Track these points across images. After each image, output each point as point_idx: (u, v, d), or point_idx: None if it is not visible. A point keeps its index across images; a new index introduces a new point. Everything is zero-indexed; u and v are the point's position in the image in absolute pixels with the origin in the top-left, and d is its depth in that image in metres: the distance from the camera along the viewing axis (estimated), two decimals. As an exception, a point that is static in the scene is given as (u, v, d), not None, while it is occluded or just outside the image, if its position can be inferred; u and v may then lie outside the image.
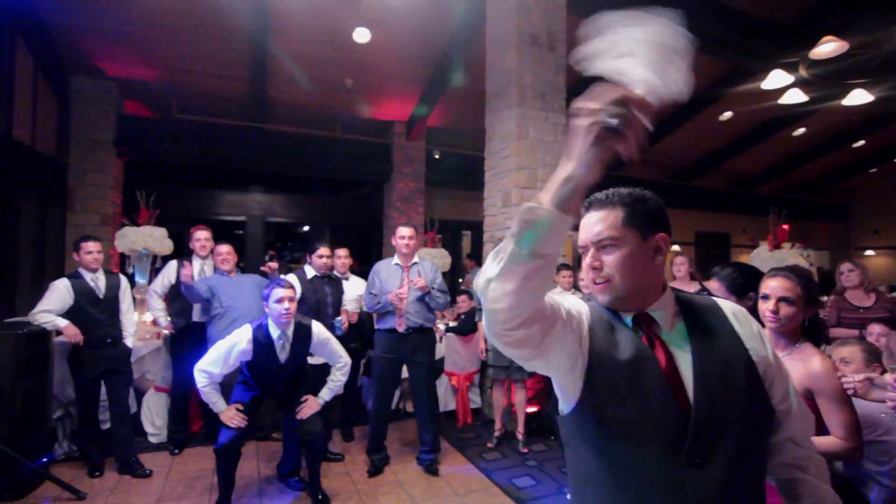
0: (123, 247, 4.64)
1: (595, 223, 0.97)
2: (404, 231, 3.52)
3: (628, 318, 0.97)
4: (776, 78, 5.08)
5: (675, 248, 11.39)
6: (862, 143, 9.61)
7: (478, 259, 7.49)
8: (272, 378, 2.93)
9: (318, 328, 2.99)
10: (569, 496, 3.00)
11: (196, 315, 3.76)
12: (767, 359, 0.97)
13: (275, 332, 2.82)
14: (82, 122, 6.09)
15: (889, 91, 5.92)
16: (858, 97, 5.35)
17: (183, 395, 3.80)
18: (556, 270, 4.14)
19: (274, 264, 4.05)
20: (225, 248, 3.76)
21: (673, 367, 0.91)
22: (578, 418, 0.93)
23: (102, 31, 5.34)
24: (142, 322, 4.24)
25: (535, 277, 0.80)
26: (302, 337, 2.92)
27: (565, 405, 0.97)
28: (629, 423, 0.88)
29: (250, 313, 3.57)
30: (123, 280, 3.54)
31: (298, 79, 6.15)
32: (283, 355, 2.87)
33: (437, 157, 8.25)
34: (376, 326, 3.58)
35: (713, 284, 2.17)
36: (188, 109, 6.81)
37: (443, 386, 4.46)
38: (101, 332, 3.29)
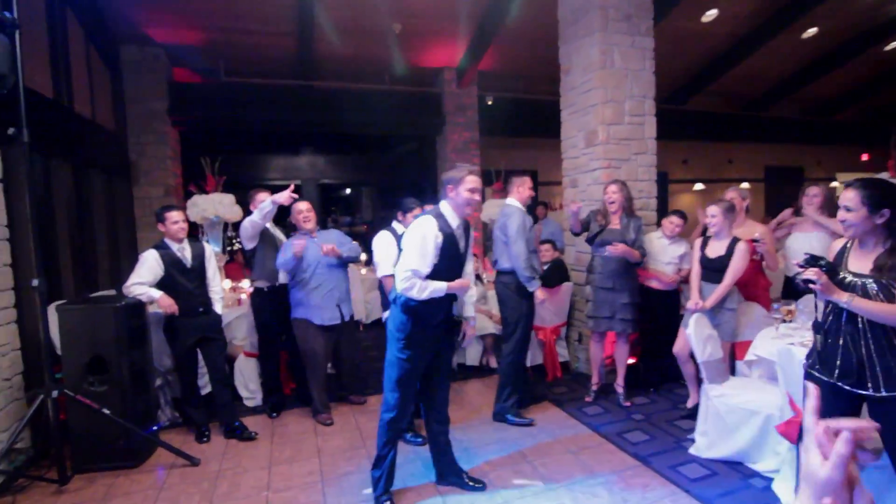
0: (195, 215, 4.59)
1: None
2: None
3: None
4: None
5: (745, 185, 10.66)
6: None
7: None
8: (456, 272, 2.55)
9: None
10: (691, 450, 2.81)
11: (282, 277, 3.65)
12: None
13: (454, 223, 2.48)
14: (136, 93, 5.99)
15: None
16: None
17: (272, 359, 3.79)
18: (667, 214, 3.78)
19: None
20: (305, 206, 3.54)
21: None
22: None
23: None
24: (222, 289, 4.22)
25: None
26: (468, 229, 2.63)
27: None
28: None
29: (332, 275, 3.51)
30: (208, 248, 3.46)
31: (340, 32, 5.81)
32: (461, 245, 2.56)
33: (489, 103, 7.80)
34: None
35: (848, 193, 1.92)
36: (236, 72, 6.63)
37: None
38: (192, 301, 3.25)
